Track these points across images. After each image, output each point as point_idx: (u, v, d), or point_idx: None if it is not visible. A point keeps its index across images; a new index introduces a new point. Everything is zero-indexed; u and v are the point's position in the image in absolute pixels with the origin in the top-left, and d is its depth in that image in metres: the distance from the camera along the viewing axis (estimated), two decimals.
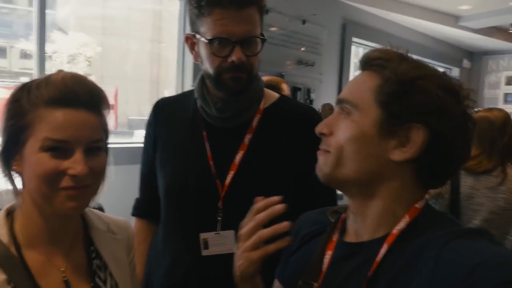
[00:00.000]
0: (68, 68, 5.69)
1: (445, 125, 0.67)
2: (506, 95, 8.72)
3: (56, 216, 0.75)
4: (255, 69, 1.02)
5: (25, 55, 5.29)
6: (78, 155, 0.70)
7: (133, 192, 1.33)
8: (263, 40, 1.01)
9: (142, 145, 1.20)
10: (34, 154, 0.69)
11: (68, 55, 5.55)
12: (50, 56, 3.70)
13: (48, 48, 3.41)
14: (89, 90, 0.73)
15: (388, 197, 0.68)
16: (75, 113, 0.70)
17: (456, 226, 0.66)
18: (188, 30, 1.05)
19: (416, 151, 0.67)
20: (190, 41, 1.05)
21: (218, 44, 0.95)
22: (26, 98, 0.70)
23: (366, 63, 0.73)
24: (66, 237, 0.78)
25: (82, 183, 0.72)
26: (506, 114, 2.12)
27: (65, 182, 0.70)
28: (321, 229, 0.80)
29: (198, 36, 1.00)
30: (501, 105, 8.74)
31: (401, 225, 0.66)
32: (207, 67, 1.00)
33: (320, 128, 0.74)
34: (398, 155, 0.68)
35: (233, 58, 0.95)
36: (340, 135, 0.71)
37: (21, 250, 0.73)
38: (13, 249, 0.72)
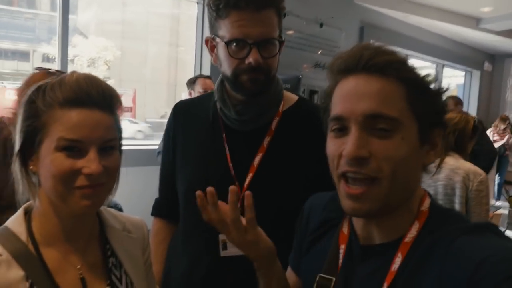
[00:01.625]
0: (88, 71, 5.79)
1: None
2: None
3: (71, 214, 0.76)
4: (273, 70, 1.03)
5: (47, 58, 5.42)
6: (92, 154, 0.71)
7: (151, 193, 1.35)
8: (281, 42, 1.01)
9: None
10: (49, 154, 0.71)
11: (88, 58, 5.66)
12: (71, 60, 3.78)
13: (70, 52, 3.49)
14: (102, 90, 0.74)
15: (406, 206, 0.67)
16: (89, 113, 0.72)
17: (463, 222, 0.65)
18: (206, 33, 1.06)
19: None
20: (210, 44, 1.06)
21: (236, 46, 0.97)
22: (41, 99, 0.72)
23: (381, 67, 0.65)
24: (82, 236, 0.80)
25: (97, 182, 0.73)
26: (464, 116, 2.29)
27: (80, 181, 0.72)
28: (335, 220, 0.79)
29: (217, 38, 1.01)
30: None
31: (413, 232, 0.65)
32: (225, 68, 1.02)
33: (357, 152, 0.62)
34: (428, 159, 0.68)
35: (250, 59, 0.96)
36: (390, 157, 0.62)
37: (39, 247, 0.74)
38: (31, 247, 0.74)
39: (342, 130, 0.65)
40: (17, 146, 0.73)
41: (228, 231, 0.77)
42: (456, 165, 2.12)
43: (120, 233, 0.86)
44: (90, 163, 0.71)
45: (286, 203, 1.03)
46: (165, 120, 1.25)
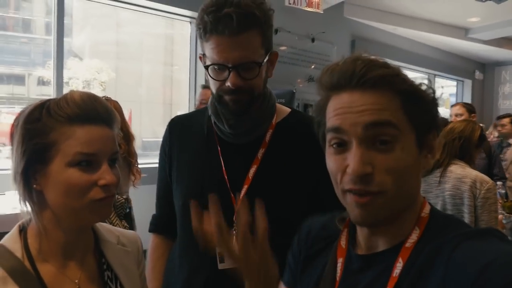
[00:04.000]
0: None
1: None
2: None
3: (76, 229, 0.78)
4: (257, 90, 1.04)
5: (42, 82, 5.45)
6: (105, 167, 0.75)
7: (150, 211, 1.35)
8: (260, 65, 1.00)
9: (157, 165, 1.23)
10: (63, 170, 0.72)
11: (83, 80, 5.70)
12: (66, 82, 3.81)
13: (65, 74, 3.52)
14: (105, 107, 0.78)
15: (409, 211, 0.68)
16: (98, 128, 0.75)
17: (465, 227, 0.65)
18: (199, 52, 1.09)
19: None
20: (203, 60, 1.09)
21: (217, 69, 1.00)
22: (46, 117, 0.73)
23: (375, 83, 0.64)
24: (79, 250, 0.81)
25: (111, 193, 0.76)
26: (471, 124, 2.29)
27: (95, 193, 0.74)
28: (332, 237, 0.79)
29: (205, 57, 1.04)
30: None
31: (414, 238, 0.66)
32: (212, 88, 1.05)
33: (362, 169, 0.61)
34: (427, 163, 0.69)
35: (229, 83, 0.98)
36: (393, 170, 0.62)
37: (35, 263, 0.75)
38: (27, 263, 0.75)
39: (342, 146, 0.65)
40: (19, 167, 0.74)
41: (227, 244, 0.74)
42: (463, 173, 2.11)
43: (115, 246, 0.88)
44: (105, 175, 0.74)
45: (282, 214, 1.03)
46: (161, 140, 1.26)
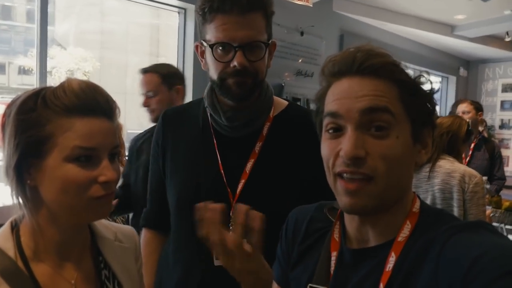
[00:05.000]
0: None
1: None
2: (502, 102, 8.78)
3: (73, 227, 0.74)
4: (261, 73, 1.02)
5: (24, 71, 5.30)
6: (105, 162, 0.70)
7: None
8: (267, 45, 1.01)
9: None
10: (59, 165, 0.68)
11: (66, 70, 5.57)
12: (49, 72, 3.70)
13: (48, 63, 3.42)
14: (106, 97, 0.73)
15: (401, 205, 0.68)
16: (98, 120, 0.71)
17: (455, 220, 0.66)
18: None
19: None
20: (200, 49, 1.05)
21: (221, 49, 0.96)
22: (42, 107, 0.68)
23: (375, 70, 0.65)
24: (76, 249, 0.77)
25: (111, 190, 0.72)
26: (458, 120, 2.33)
27: (95, 190, 0.70)
28: (324, 230, 0.78)
29: (204, 43, 1.00)
30: (498, 112, 8.80)
31: (406, 232, 0.66)
32: (212, 73, 1.02)
33: (354, 151, 0.61)
34: (420, 158, 0.69)
35: (235, 62, 0.95)
36: (386, 156, 0.62)
37: (29, 263, 0.71)
38: (20, 263, 0.70)
39: (337, 130, 0.65)
40: (12, 161, 0.69)
41: (227, 257, 0.73)
42: (451, 168, 2.14)
43: (112, 243, 0.84)
44: (106, 171, 0.70)
45: (280, 208, 1.02)
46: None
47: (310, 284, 0.71)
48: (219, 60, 0.97)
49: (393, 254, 0.64)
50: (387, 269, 0.64)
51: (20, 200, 0.72)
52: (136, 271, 0.87)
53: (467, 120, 2.37)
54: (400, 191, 0.67)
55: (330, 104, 0.67)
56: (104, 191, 0.70)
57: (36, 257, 0.72)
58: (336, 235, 0.74)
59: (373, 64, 0.65)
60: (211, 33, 0.97)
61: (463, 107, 3.51)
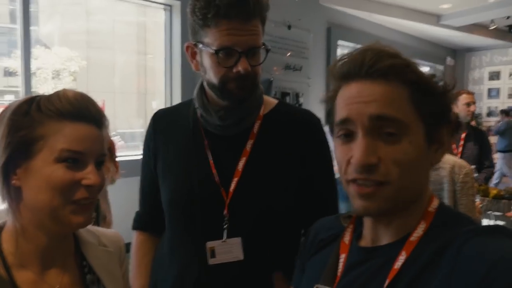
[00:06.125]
0: (53, 83, 5.62)
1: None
2: (489, 90, 8.90)
3: (56, 233, 0.74)
4: (259, 77, 1.05)
5: (9, 73, 5.22)
6: (91, 167, 0.72)
7: (127, 205, 1.31)
8: (268, 50, 1.03)
9: (132, 158, 1.18)
10: (47, 166, 0.69)
11: (52, 70, 5.49)
12: (34, 73, 3.65)
13: (32, 64, 3.37)
14: (98, 109, 0.76)
15: (416, 205, 0.67)
16: (88, 127, 0.73)
17: (472, 224, 0.65)
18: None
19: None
20: (191, 50, 1.05)
21: (225, 54, 0.97)
22: (36, 111, 0.70)
23: (384, 73, 0.64)
24: (60, 255, 0.77)
25: (94, 195, 0.73)
26: None
27: (79, 193, 0.71)
28: (336, 234, 0.78)
29: (201, 46, 1.00)
30: (485, 100, 8.92)
31: (419, 232, 0.65)
32: (211, 76, 1.01)
33: (365, 159, 0.61)
34: (436, 158, 0.68)
35: (239, 68, 0.97)
36: (399, 162, 0.62)
37: (11, 271, 0.70)
38: (2, 270, 0.70)
39: (349, 136, 0.65)
40: (1, 160, 0.70)
41: None
42: (441, 160, 2.18)
43: (96, 247, 0.84)
44: (90, 175, 0.71)
45: (273, 205, 1.02)
46: (137, 131, 1.22)
47: (317, 285, 0.71)
48: (222, 65, 0.98)
49: (403, 253, 0.64)
50: (395, 267, 0.63)
51: (6, 202, 0.72)
52: (120, 275, 0.87)
53: (455, 112, 2.38)
54: (415, 193, 0.66)
55: (340, 111, 0.67)
56: (87, 194, 0.71)
57: (18, 263, 0.72)
58: (346, 239, 0.74)
59: (382, 66, 0.64)
60: (213, 38, 0.97)
61: (468, 99, 3.20)
